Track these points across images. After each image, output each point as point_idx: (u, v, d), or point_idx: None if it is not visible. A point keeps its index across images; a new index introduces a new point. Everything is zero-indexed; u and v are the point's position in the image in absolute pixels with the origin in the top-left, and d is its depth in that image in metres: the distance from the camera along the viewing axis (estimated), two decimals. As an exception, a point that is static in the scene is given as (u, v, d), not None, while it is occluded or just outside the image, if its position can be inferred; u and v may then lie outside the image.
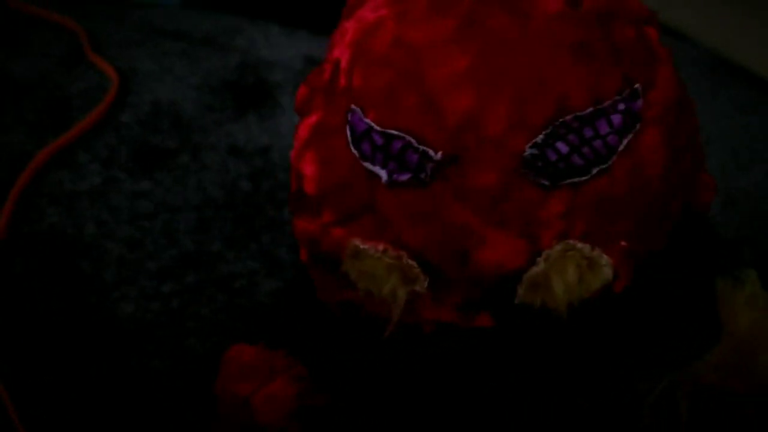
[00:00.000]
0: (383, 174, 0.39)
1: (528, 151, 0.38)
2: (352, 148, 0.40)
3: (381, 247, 0.40)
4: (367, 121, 0.40)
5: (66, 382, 0.55)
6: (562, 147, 0.38)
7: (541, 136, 0.38)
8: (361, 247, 0.40)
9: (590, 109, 0.38)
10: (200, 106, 0.77)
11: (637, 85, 0.39)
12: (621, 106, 0.39)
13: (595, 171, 0.38)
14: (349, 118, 0.41)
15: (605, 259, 0.39)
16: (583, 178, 0.38)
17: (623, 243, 0.39)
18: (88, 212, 0.65)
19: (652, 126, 0.40)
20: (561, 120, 0.38)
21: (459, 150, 0.38)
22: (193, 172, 0.70)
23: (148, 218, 0.65)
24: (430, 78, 0.38)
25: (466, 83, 0.38)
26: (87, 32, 0.84)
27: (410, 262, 0.39)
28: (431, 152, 0.38)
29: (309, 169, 0.42)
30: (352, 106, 0.40)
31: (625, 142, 0.39)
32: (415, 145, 0.39)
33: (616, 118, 0.39)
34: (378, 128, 0.39)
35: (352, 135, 0.40)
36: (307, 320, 0.46)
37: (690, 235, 0.45)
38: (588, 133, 0.38)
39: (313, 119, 0.42)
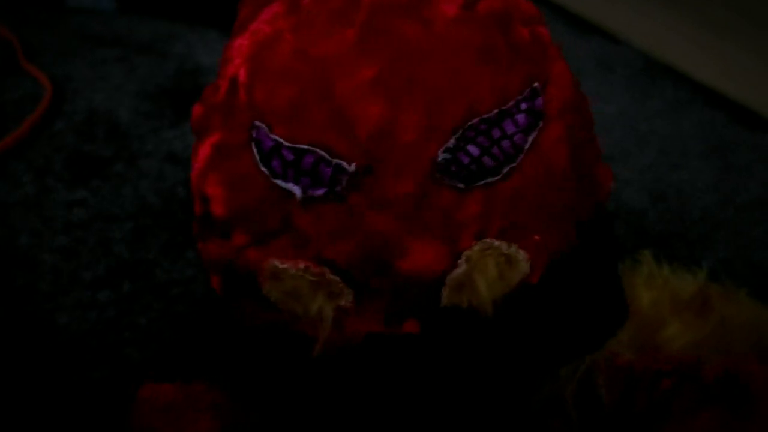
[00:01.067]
0: (297, 190, 0.38)
1: (441, 156, 0.38)
2: (261, 166, 0.39)
3: (302, 265, 0.39)
4: (275, 137, 0.39)
5: (2, 393, 0.54)
6: (473, 150, 0.38)
7: (452, 141, 0.38)
8: (281, 266, 0.39)
9: (496, 110, 0.39)
10: (137, 114, 0.77)
11: (536, 84, 0.40)
12: (524, 106, 0.39)
13: (505, 170, 0.39)
14: (254, 136, 0.39)
15: (522, 254, 0.40)
16: (495, 178, 0.39)
17: (536, 237, 0.40)
18: (22, 223, 0.64)
19: (553, 122, 0.40)
20: (470, 123, 0.38)
21: (373, 160, 0.38)
22: (129, 180, 0.69)
23: (82, 227, 0.64)
24: (337, 89, 0.38)
25: (375, 92, 0.37)
26: (20, 40, 0.83)
27: (333, 277, 0.39)
28: (345, 164, 0.38)
29: (215, 191, 0.40)
30: (256, 123, 0.39)
31: (530, 139, 0.39)
32: (328, 158, 0.38)
33: (521, 118, 0.39)
34: (287, 144, 0.38)
35: (259, 153, 0.39)
36: (223, 344, 0.45)
37: (599, 228, 0.46)
38: (496, 134, 0.39)
39: (212, 139, 0.40)
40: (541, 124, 0.40)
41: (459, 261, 0.39)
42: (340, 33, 0.38)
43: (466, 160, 0.38)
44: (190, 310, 0.52)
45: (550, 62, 0.41)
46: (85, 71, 0.82)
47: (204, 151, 0.41)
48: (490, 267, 0.39)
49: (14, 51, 0.81)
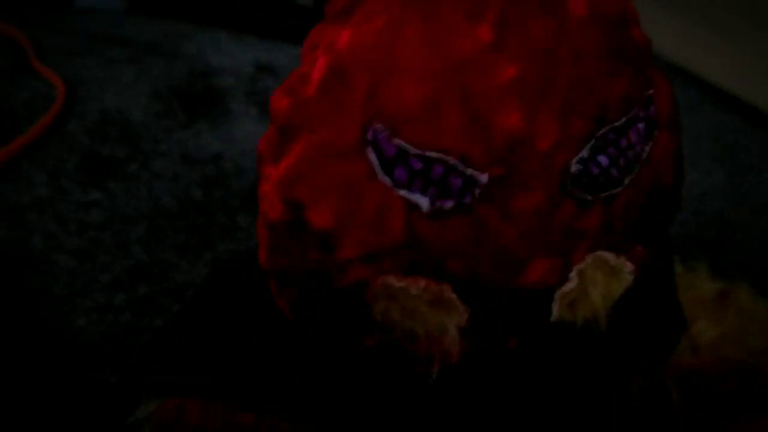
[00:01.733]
0: (425, 202, 0.35)
1: (574, 167, 0.35)
2: (382, 175, 0.35)
3: (422, 283, 0.36)
4: (399, 142, 0.35)
5: (19, 399, 0.53)
6: (603, 160, 0.36)
7: (586, 151, 0.36)
8: (398, 285, 0.36)
9: (624, 118, 0.36)
10: (149, 114, 0.76)
11: (651, 91, 0.38)
12: (642, 114, 0.37)
13: (627, 181, 0.37)
14: (371, 138, 0.35)
15: (628, 266, 0.38)
16: (618, 189, 0.37)
17: (639, 248, 0.38)
18: (36, 225, 0.63)
19: (662, 132, 0.38)
20: (601, 132, 0.36)
21: (506, 170, 0.35)
22: (143, 181, 0.69)
23: (98, 229, 0.64)
24: (475, 92, 0.34)
25: (514, 96, 0.34)
26: (31, 41, 0.83)
27: (452, 295, 0.36)
28: (478, 175, 0.35)
29: (314, 198, 0.36)
30: (375, 126, 0.35)
31: (647, 149, 0.37)
32: (460, 168, 0.34)
33: (641, 126, 0.37)
34: (415, 151, 0.34)
35: (380, 158, 0.35)
36: (289, 367, 0.40)
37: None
38: (623, 143, 0.36)
39: (311, 137, 0.36)
40: (656, 133, 0.38)
41: (571, 275, 0.37)
42: (473, 28, 0.34)
43: (596, 170, 0.36)
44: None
45: (654, 69, 0.39)
46: (95, 72, 0.81)
47: (297, 149, 0.36)
48: (601, 280, 0.37)
49: (25, 52, 0.81)
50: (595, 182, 0.36)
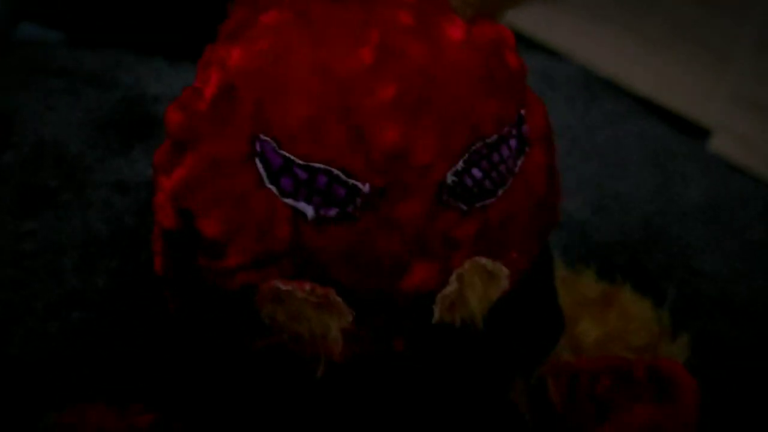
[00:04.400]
0: (309, 210, 0.37)
1: (449, 179, 0.39)
2: (268, 184, 0.38)
3: (307, 287, 0.38)
4: (285, 153, 0.37)
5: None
6: (477, 173, 0.39)
7: (460, 164, 0.39)
8: (284, 288, 0.38)
9: (495, 135, 0.40)
10: (85, 144, 0.77)
11: (522, 111, 0.41)
12: (514, 131, 0.41)
13: (500, 192, 0.40)
14: (259, 150, 0.38)
15: (504, 270, 0.41)
16: (492, 199, 0.40)
17: (514, 254, 0.42)
18: (-31, 256, 0.64)
19: (534, 148, 0.42)
20: (474, 147, 0.39)
21: (387, 181, 0.38)
22: (77, 209, 0.69)
23: (32, 258, 0.64)
24: (356, 109, 0.37)
25: (393, 113, 0.37)
26: (-34, 74, 0.83)
27: (337, 298, 0.38)
28: (360, 185, 0.37)
29: (205, 207, 0.38)
30: (262, 137, 0.37)
31: (518, 164, 0.41)
32: (343, 178, 0.37)
33: (513, 143, 0.41)
34: (300, 162, 0.37)
35: (266, 169, 0.38)
36: (180, 367, 0.42)
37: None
38: (495, 158, 0.40)
39: (201, 150, 0.38)
40: (527, 149, 0.42)
41: (450, 279, 0.40)
42: (356, 50, 0.37)
43: (470, 182, 0.39)
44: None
45: (528, 91, 0.43)
46: (32, 103, 0.82)
47: (188, 162, 0.39)
48: (478, 284, 0.40)
49: (-40, 85, 0.81)
50: (470, 193, 0.39)
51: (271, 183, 0.38)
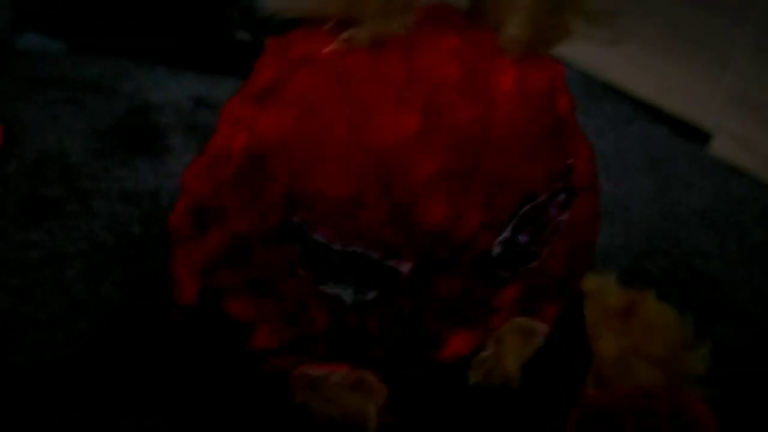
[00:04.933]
0: (348, 295, 0.34)
1: (495, 251, 0.36)
2: (302, 268, 0.34)
3: (343, 371, 0.36)
4: (321, 237, 0.33)
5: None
6: (524, 239, 0.36)
7: (508, 232, 0.36)
8: (316, 375, 0.36)
9: (545, 195, 0.36)
10: (88, 153, 0.77)
11: (570, 161, 0.37)
12: (561, 185, 0.37)
13: (545, 253, 0.37)
14: (292, 231, 0.34)
15: (541, 327, 0.39)
16: (536, 262, 0.37)
17: (552, 308, 0.40)
18: (-25, 267, 0.64)
19: (582, 197, 0.38)
20: (522, 212, 0.36)
21: (428, 259, 0.34)
22: (82, 219, 0.70)
23: (37, 268, 0.64)
24: (399, 185, 0.33)
25: (438, 189, 0.33)
26: (-32, 84, 0.83)
27: (372, 378, 0.37)
28: (400, 265, 0.34)
29: (234, 289, 0.35)
30: (297, 218, 0.33)
31: (564, 217, 0.38)
32: (383, 262, 0.34)
33: (561, 197, 0.37)
34: (338, 246, 0.33)
35: (302, 252, 0.34)
36: None
37: None
38: (544, 218, 0.37)
39: (227, 226, 0.35)
40: (575, 200, 0.38)
41: (487, 342, 0.38)
42: (399, 116, 0.33)
43: (516, 248, 0.36)
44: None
45: (577, 134, 0.39)
46: (35, 113, 0.82)
47: (215, 238, 0.35)
48: (516, 345, 0.38)
49: (-37, 96, 0.81)
50: (513, 259, 0.36)
51: (305, 267, 0.34)
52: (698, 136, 0.98)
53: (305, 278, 0.34)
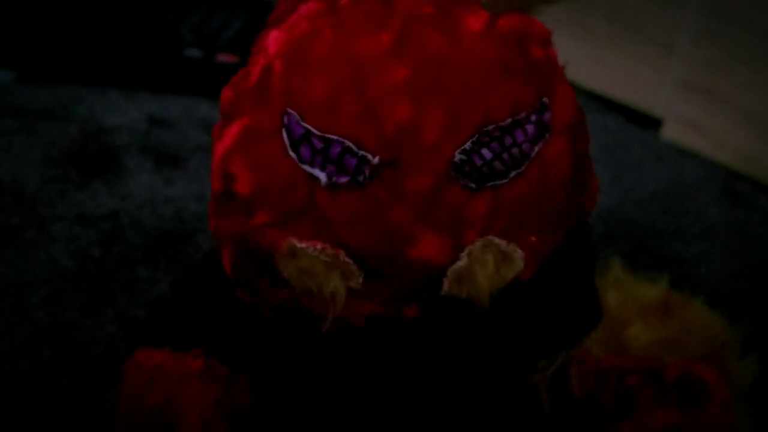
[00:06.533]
0: (323, 176, 0.41)
1: (457, 157, 0.41)
2: (290, 152, 0.41)
3: (319, 246, 0.41)
4: (305, 125, 0.41)
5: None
6: (486, 153, 0.41)
7: (468, 144, 0.41)
8: (299, 246, 0.42)
9: (509, 120, 0.42)
10: (44, 180, 0.77)
11: (545, 99, 0.43)
12: (533, 117, 0.42)
13: (512, 175, 0.42)
14: (286, 122, 0.41)
15: (519, 252, 0.43)
16: (503, 181, 0.42)
17: (533, 238, 0.43)
18: (-67, 301, 0.63)
19: (558, 135, 0.43)
20: (485, 129, 0.41)
21: (396, 155, 0.41)
22: (41, 245, 0.69)
23: (-3, 298, 0.64)
24: (370, 87, 0.40)
25: (404, 94, 0.40)
26: None
27: (347, 259, 0.42)
28: (369, 156, 0.41)
29: (241, 170, 0.42)
30: (289, 110, 0.41)
31: (536, 149, 0.43)
32: (354, 149, 0.40)
33: (530, 128, 0.42)
34: (317, 132, 0.41)
35: (289, 138, 0.41)
36: (227, 319, 0.46)
37: (579, 234, 0.48)
38: (507, 141, 0.42)
39: (243, 121, 0.43)
40: (547, 136, 0.43)
41: (461, 254, 0.42)
42: (376, 35, 0.41)
43: (479, 162, 0.41)
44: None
45: (557, 81, 0.44)
46: (-13, 144, 0.81)
47: (232, 132, 0.43)
48: (489, 262, 0.42)
49: None
50: (479, 172, 0.42)
51: (292, 150, 0.41)
52: (649, 122, 1.00)
53: (292, 161, 0.41)
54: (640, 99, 1.02)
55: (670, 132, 0.99)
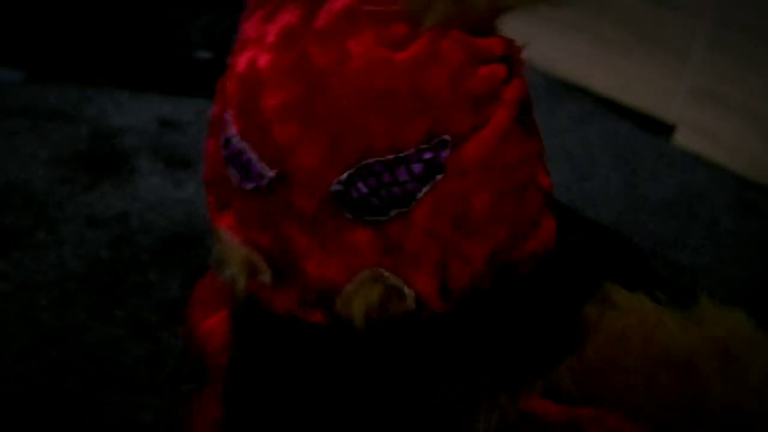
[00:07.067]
0: (235, 179, 0.44)
1: (334, 187, 0.41)
2: (222, 150, 0.44)
3: (237, 240, 0.45)
4: (233, 128, 0.43)
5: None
6: (362, 187, 0.41)
7: (344, 176, 0.41)
8: (223, 234, 0.45)
9: (392, 156, 0.40)
10: (53, 181, 0.76)
11: (446, 137, 0.41)
12: (427, 155, 0.40)
13: (393, 213, 0.41)
14: (225, 119, 0.44)
15: (408, 290, 0.42)
16: (382, 218, 0.41)
17: (429, 279, 0.42)
18: (-58, 302, 0.63)
19: (464, 176, 0.41)
20: (365, 163, 0.40)
21: (285, 172, 0.42)
22: (50, 247, 0.69)
23: (5, 300, 0.63)
24: (264, 105, 0.42)
25: (291, 117, 0.41)
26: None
27: (257, 257, 0.44)
28: (266, 170, 0.42)
29: (205, 154, 0.46)
30: (228, 110, 0.44)
31: (425, 189, 0.41)
32: (254, 160, 0.42)
33: (417, 167, 0.41)
34: (237, 138, 0.43)
35: (224, 139, 0.44)
36: None
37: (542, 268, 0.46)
38: (386, 178, 0.41)
39: (213, 110, 0.46)
40: (438, 177, 0.41)
41: (352, 280, 0.42)
42: (283, 53, 0.42)
43: (354, 194, 0.41)
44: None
45: (484, 113, 0.41)
46: (-4, 144, 0.81)
47: (210, 117, 0.47)
48: (373, 293, 0.42)
49: None
50: (355, 205, 0.41)
51: (223, 149, 0.44)
52: (662, 129, 1.00)
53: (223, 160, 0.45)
54: (653, 106, 1.01)
55: (683, 139, 0.98)
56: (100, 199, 0.75)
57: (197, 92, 0.95)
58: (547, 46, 1.04)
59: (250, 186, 0.43)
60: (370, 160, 0.40)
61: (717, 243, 0.80)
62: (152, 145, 0.84)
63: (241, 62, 0.43)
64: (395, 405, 0.44)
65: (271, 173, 0.42)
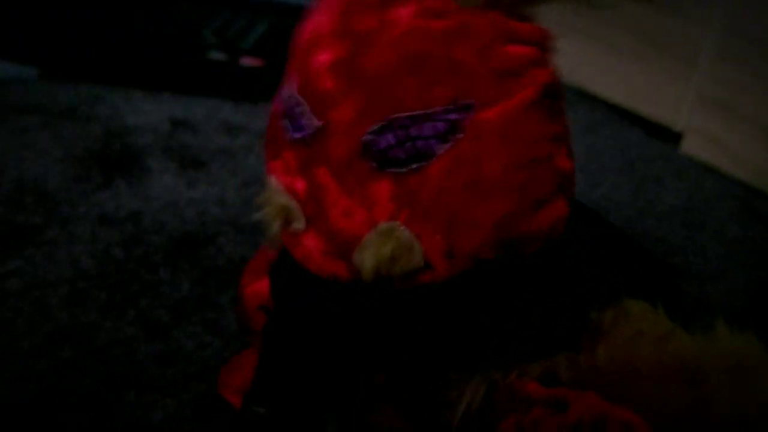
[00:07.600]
0: (287, 130, 0.48)
1: (365, 137, 0.45)
2: (283, 103, 0.49)
3: (281, 186, 0.49)
4: (294, 84, 0.48)
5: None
6: (391, 138, 0.44)
7: (376, 126, 0.44)
8: (270, 180, 0.49)
9: (420, 111, 0.44)
10: (66, 179, 0.77)
11: (471, 101, 0.44)
12: (452, 116, 0.44)
13: (414, 166, 0.44)
14: (290, 76, 0.49)
15: (417, 246, 0.45)
16: (402, 169, 0.44)
17: (437, 237, 0.44)
18: (-45, 298, 0.63)
19: (482, 139, 0.44)
20: (395, 116, 0.44)
21: (326, 123, 0.46)
22: (62, 245, 0.69)
23: (17, 297, 0.64)
24: (310, 63, 0.47)
25: (330, 74, 0.46)
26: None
27: (295, 204, 0.48)
28: (314, 120, 0.46)
29: (271, 113, 0.51)
30: (293, 68, 0.49)
31: (446, 146, 0.44)
32: (306, 112, 0.47)
33: (440, 125, 0.44)
34: (293, 92, 0.48)
35: (287, 92, 0.48)
36: None
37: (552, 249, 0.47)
38: (413, 132, 0.44)
39: (286, 70, 0.50)
40: (458, 136, 0.44)
41: (370, 231, 0.45)
42: (333, 18, 0.47)
43: (383, 144, 0.44)
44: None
45: (507, 85, 0.44)
46: (10, 141, 0.82)
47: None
48: (385, 247, 0.45)
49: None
50: (382, 155, 0.45)
51: (284, 102, 0.49)
52: (670, 136, 1.00)
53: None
54: (661, 113, 1.01)
55: (691, 147, 0.98)
56: (113, 197, 0.75)
57: (210, 93, 0.96)
58: (557, 54, 1.05)
59: (298, 135, 0.47)
60: (400, 114, 0.44)
61: (724, 250, 0.80)
62: (165, 144, 0.84)
63: (308, 28, 0.48)
64: (391, 366, 0.46)
65: (318, 123, 0.46)
